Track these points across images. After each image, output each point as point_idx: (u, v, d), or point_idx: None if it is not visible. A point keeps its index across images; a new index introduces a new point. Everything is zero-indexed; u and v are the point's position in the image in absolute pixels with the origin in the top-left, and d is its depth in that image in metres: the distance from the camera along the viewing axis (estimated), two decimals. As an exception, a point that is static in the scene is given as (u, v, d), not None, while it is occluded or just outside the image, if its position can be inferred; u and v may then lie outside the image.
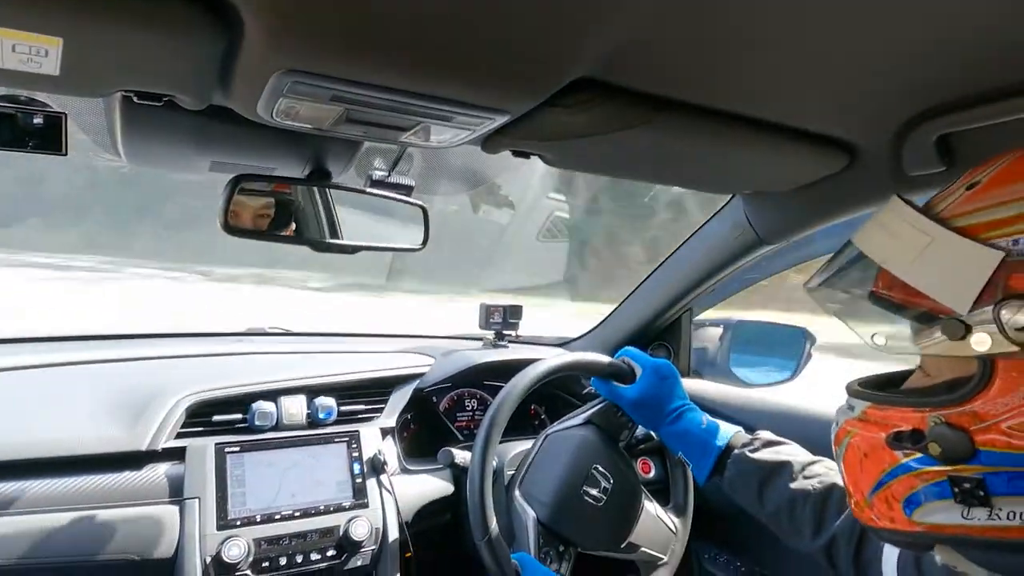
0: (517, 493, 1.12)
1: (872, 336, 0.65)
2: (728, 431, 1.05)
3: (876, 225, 0.64)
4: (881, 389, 0.68)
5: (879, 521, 0.62)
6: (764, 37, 0.60)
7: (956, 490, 0.55)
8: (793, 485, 0.92)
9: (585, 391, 1.59)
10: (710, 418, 1.08)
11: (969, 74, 0.67)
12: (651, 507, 1.17)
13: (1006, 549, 0.55)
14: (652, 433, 1.18)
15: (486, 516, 1.00)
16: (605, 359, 1.15)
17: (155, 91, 0.69)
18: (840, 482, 0.82)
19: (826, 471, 0.93)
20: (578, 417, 1.20)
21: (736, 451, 1.00)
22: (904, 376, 0.68)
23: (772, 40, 0.60)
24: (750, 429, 1.05)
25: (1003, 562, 0.56)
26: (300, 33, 0.54)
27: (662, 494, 1.26)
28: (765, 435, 1.02)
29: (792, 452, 0.99)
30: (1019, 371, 0.52)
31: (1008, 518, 0.53)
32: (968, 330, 0.54)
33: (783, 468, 0.95)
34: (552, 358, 1.14)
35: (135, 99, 0.70)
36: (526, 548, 1.05)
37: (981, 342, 0.53)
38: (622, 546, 1.11)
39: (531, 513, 1.08)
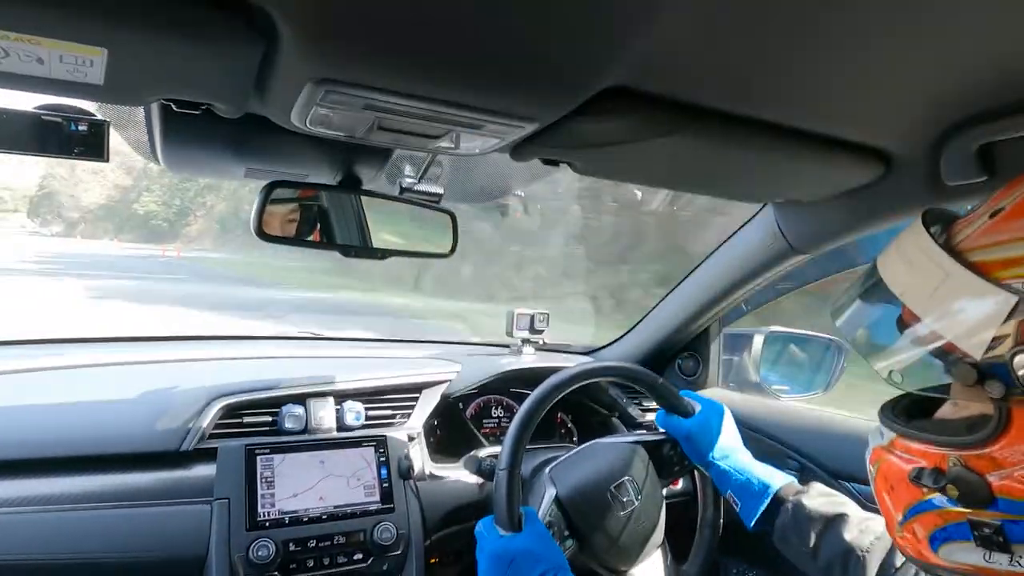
0: (547, 470, 1.12)
1: (890, 373, 0.62)
2: (781, 477, 1.03)
3: (897, 250, 0.62)
4: (912, 414, 0.66)
5: (910, 550, 0.62)
6: (799, 45, 0.59)
7: (976, 534, 0.54)
8: (849, 537, 0.89)
9: (612, 402, 1.58)
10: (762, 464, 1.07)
11: (1011, 82, 0.65)
12: (662, 557, 1.15)
13: None
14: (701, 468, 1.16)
15: (517, 452, 1.00)
16: (673, 391, 1.16)
17: (194, 99, 0.70)
18: None
19: (885, 528, 0.91)
20: (629, 437, 1.20)
21: (792, 498, 0.98)
22: (938, 401, 0.66)
23: (807, 48, 0.59)
24: (781, 443, 1.03)
25: None
26: (335, 43, 0.55)
27: (681, 528, 1.23)
28: (819, 486, 1.00)
29: (848, 504, 0.96)
30: None
31: None
32: (982, 375, 0.52)
33: (840, 520, 0.92)
34: (618, 363, 1.16)
35: (174, 107, 0.72)
36: None
37: (994, 388, 0.52)
38: (619, 568, 1.09)
39: (553, 489, 1.08)
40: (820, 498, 0.97)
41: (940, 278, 0.55)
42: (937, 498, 0.56)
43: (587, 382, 1.09)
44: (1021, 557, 0.52)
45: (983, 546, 0.54)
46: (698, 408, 1.14)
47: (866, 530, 0.89)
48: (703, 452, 1.10)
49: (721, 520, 1.19)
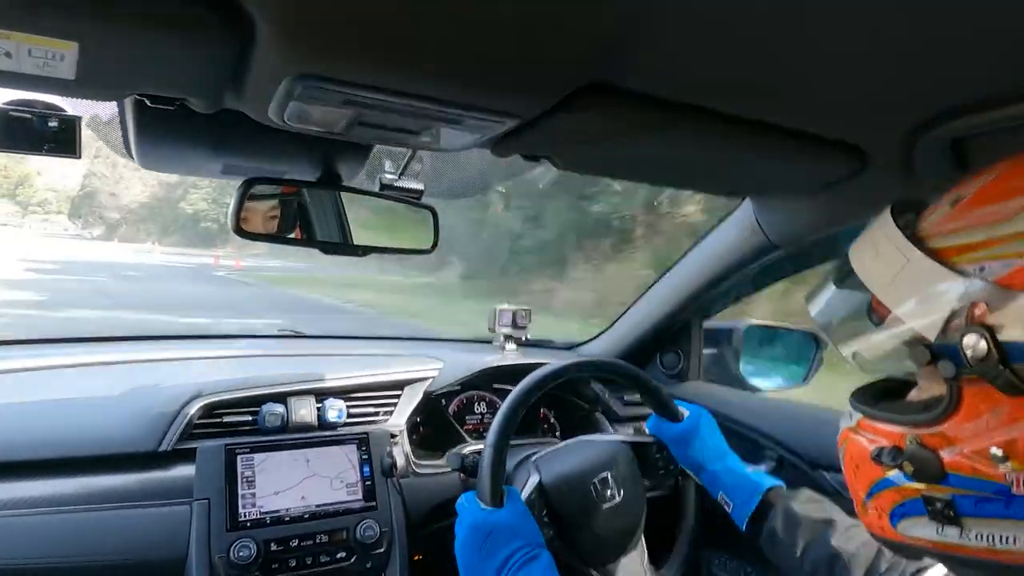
0: (532, 459, 1.14)
1: (852, 355, 0.66)
2: (771, 481, 1.05)
3: (866, 239, 0.64)
4: (881, 398, 0.68)
5: (873, 527, 0.64)
6: (773, 41, 0.60)
7: (929, 508, 0.57)
8: (836, 543, 0.91)
9: (595, 396, 1.59)
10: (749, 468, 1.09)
11: (982, 76, 0.66)
12: (640, 556, 1.16)
13: (979, 567, 0.57)
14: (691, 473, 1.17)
15: (508, 430, 1.02)
16: (667, 396, 1.18)
17: (168, 95, 0.69)
18: (884, 550, 0.84)
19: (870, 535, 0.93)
20: (618, 436, 1.22)
21: (783, 500, 1.00)
22: (908, 385, 0.68)
23: (781, 44, 0.60)
24: (761, 435, 1.05)
25: None
26: (312, 38, 0.55)
27: (660, 533, 1.24)
28: (807, 491, 1.03)
29: (835, 510, 0.98)
30: (982, 398, 0.53)
31: (976, 539, 0.55)
32: (935, 357, 0.55)
33: (828, 525, 0.94)
34: (612, 360, 1.18)
35: (148, 102, 0.71)
36: None
37: (946, 369, 0.54)
38: (594, 561, 1.09)
39: (537, 475, 1.09)
40: (808, 503, 0.99)
41: (901, 264, 0.57)
42: (895, 475, 0.59)
43: (590, 375, 1.11)
44: (970, 531, 0.55)
45: (935, 520, 0.57)
46: (687, 414, 1.17)
47: (852, 536, 0.91)
48: (694, 456, 1.12)
49: (699, 529, 1.20)
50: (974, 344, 0.51)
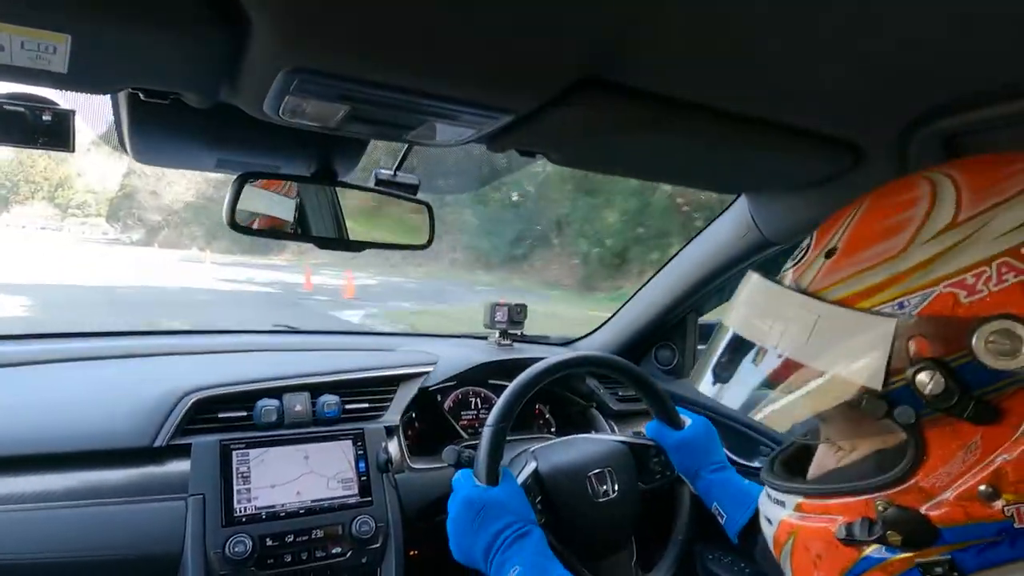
0: (530, 449, 1.15)
1: (780, 422, 0.58)
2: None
3: (749, 307, 0.60)
4: (793, 470, 0.64)
5: None
6: (768, 38, 0.60)
7: None
8: None
9: (590, 392, 1.59)
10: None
11: (976, 72, 0.66)
12: (629, 557, 1.17)
13: None
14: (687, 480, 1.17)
15: (510, 412, 1.04)
16: (671, 402, 1.19)
17: (162, 88, 0.69)
18: None
19: None
20: (615, 436, 1.24)
21: None
22: (808, 449, 0.63)
23: (776, 40, 0.60)
24: (753, 430, 1.05)
25: None
26: (307, 32, 0.54)
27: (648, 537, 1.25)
28: None
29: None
30: (950, 436, 0.49)
31: None
32: (891, 405, 0.51)
33: None
34: (615, 358, 1.19)
35: (142, 96, 0.70)
36: None
37: (904, 415, 0.50)
38: (582, 554, 1.08)
39: (534, 463, 1.10)
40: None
41: (812, 320, 0.54)
42: (875, 551, 0.52)
43: (598, 370, 1.12)
44: None
45: None
46: (688, 422, 1.18)
47: None
48: (691, 465, 1.12)
49: (692, 532, 1.20)
50: (929, 382, 0.48)
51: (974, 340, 0.48)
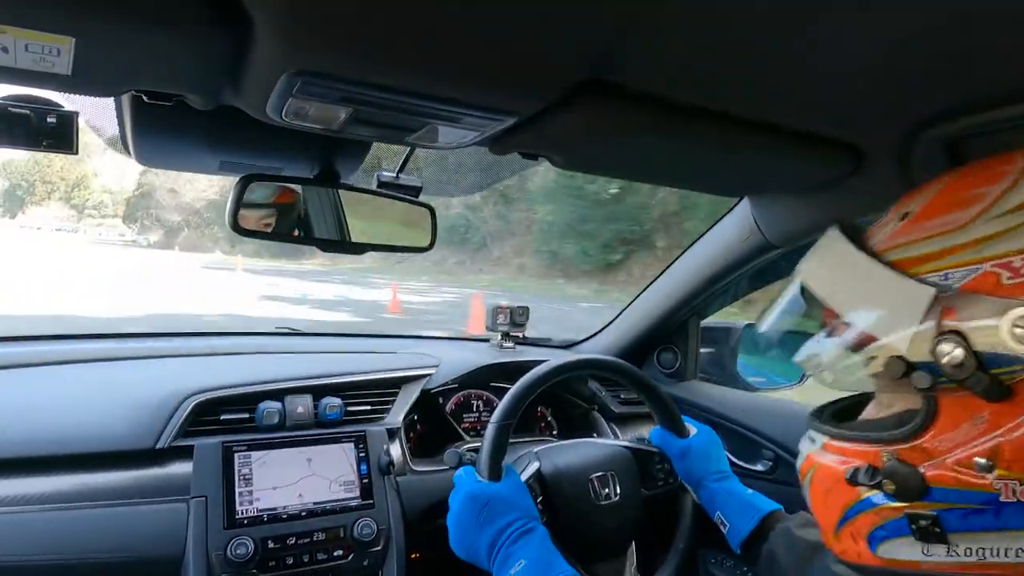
0: (534, 450, 1.15)
1: (822, 375, 0.65)
2: (769, 503, 1.04)
3: (817, 258, 0.64)
4: (840, 418, 0.67)
5: (848, 555, 0.62)
6: (772, 40, 0.60)
7: (914, 527, 0.55)
8: (837, 569, 0.90)
9: (592, 395, 1.59)
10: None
11: (979, 75, 0.66)
12: (628, 564, 1.16)
13: None
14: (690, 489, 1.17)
15: (515, 410, 1.04)
16: (676, 410, 1.19)
17: (165, 91, 0.69)
18: None
19: None
20: (620, 441, 1.23)
21: (780, 524, 0.98)
22: (863, 402, 0.67)
23: (780, 43, 0.60)
24: (757, 434, 1.04)
25: None
26: (310, 34, 0.54)
27: (649, 543, 1.24)
28: (805, 515, 0.99)
29: None
30: (961, 407, 0.52)
31: (965, 555, 0.53)
32: (909, 368, 0.54)
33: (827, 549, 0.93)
34: (622, 363, 1.19)
35: (145, 99, 0.71)
36: None
37: (921, 379, 0.53)
38: (581, 556, 1.08)
39: (537, 463, 1.11)
40: (807, 527, 0.97)
41: (861, 279, 0.57)
42: (874, 496, 0.57)
43: (604, 374, 1.12)
44: (957, 547, 0.53)
45: (922, 539, 0.55)
46: (693, 431, 1.17)
47: None
48: (695, 473, 1.12)
49: (693, 540, 1.19)
50: (949, 352, 0.51)
51: (1001, 321, 0.49)
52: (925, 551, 0.55)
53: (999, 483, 0.50)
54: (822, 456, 0.63)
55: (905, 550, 0.56)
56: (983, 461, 0.51)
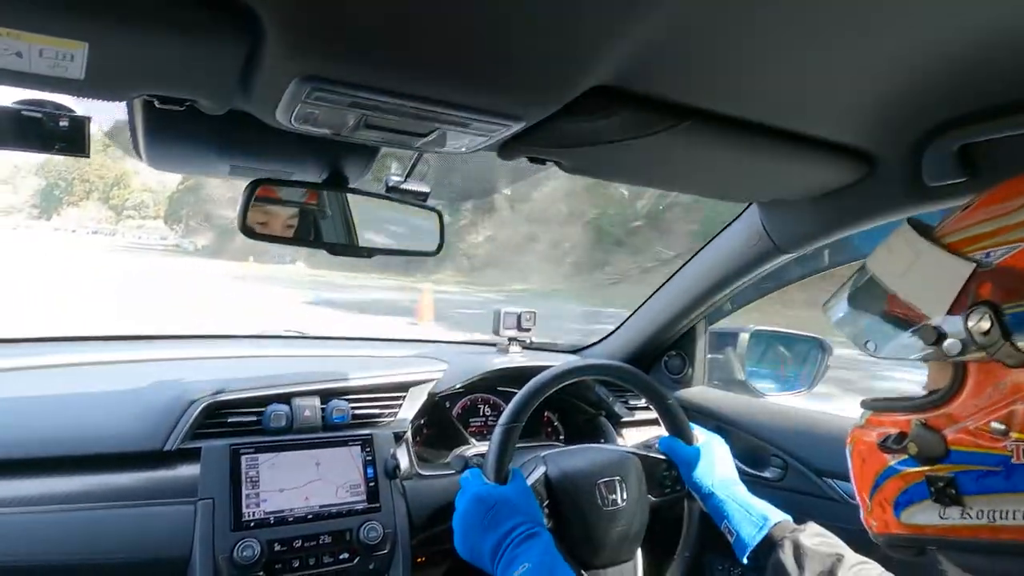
0: (541, 455, 1.15)
1: (865, 343, 0.68)
2: (778, 514, 1.03)
3: (884, 243, 0.68)
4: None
5: (879, 527, 0.65)
6: (782, 47, 0.59)
7: (932, 489, 0.58)
8: None
9: (599, 400, 1.59)
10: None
11: (989, 85, 0.66)
12: (634, 570, 1.16)
13: (979, 551, 0.58)
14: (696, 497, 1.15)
15: (523, 412, 1.05)
16: (684, 417, 1.19)
17: (176, 95, 0.70)
18: None
19: (880, 572, 0.90)
20: (627, 447, 1.23)
21: (788, 535, 0.97)
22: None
23: (790, 49, 0.60)
24: (766, 441, 1.04)
25: (978, 565, 0.59)
26: (320, 40, 0.55)
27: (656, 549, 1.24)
28: (814, 525, 1.01)
29: (843, 546, 0.96)
30: (986, 374, 0.56)
31: (977, 516, 0.56)
32: (941, 336, 0.57)
33: (836, 561, 0.92)
34: (628, 367, 1.19)
35: (157, 103, 0.71)
36: None
37: (952, 347, 0.56)
38: (587, 561, 1.08)
39: (544, 467, 1.11)
40: (816, 538, 0.96)
41: (913, 258, 0.61)
42: (899, 462, 0.61)
43: (613, 380, 1.12)
44: (971, 509, 0.56)
45: (938, 502, 0.58)
46: (702, 438, 1.16)
47: (860, 572, 0.89)
48: (702, 481, 1.11)
49: (696, 555, 1.19)
50: (978, 320, 0.54)
51: None
52: (942, 514, 0.58)
53: (1012, 445, 0.53)
54: (864, 430, 0.67)
55: (924, 515, 0.59)
56: (999, 426, 0.54)
